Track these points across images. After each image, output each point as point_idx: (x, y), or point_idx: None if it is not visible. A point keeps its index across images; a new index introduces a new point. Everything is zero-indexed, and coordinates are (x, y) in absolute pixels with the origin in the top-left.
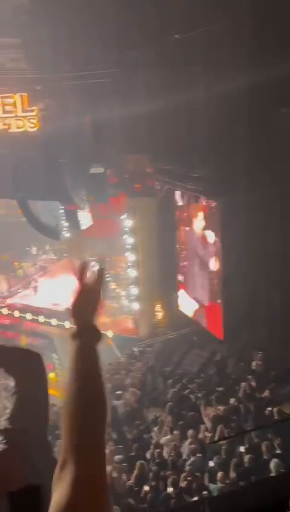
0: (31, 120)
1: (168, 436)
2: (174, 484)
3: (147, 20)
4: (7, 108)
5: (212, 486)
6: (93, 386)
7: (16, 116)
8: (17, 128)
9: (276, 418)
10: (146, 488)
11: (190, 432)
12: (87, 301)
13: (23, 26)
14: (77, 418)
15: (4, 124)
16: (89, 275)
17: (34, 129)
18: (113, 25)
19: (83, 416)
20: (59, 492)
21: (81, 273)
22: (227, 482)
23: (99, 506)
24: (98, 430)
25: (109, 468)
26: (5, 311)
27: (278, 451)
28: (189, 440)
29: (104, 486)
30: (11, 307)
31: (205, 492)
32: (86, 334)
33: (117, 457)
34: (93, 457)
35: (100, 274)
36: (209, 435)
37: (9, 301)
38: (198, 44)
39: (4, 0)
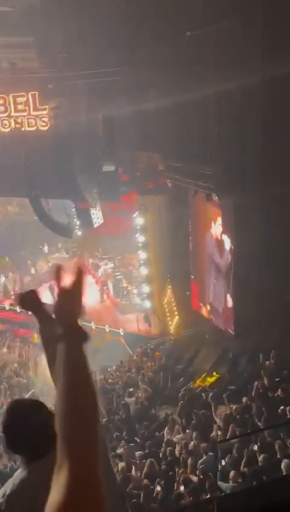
0: (43, 119)
1: (180, 435)
2: (186, 483)
3: (158, 17)
4: (19, 107)
5: (224, 486)
6: (82, 386)
7: (28, 114)
8: (29, 126)
9: (289, 417)
10: (158, 488)
11: (201, 431)
12: (68, 303)
13: (34, 25)
14: (68, 419)
15: (16, 123)
16: (69, 277)
17: (46, 127)
18: (124, 23)
19: (73, 417)
20: (54, 492)
21: (57, 276)
22: (239, 481)
23: (95, 506)
24: (89, 430)
25: (122, 465)
26: (18, 309)
27: None
28: (200, 439)
29: (99, 485)
30: None
31: (217, 492)
32: (72, 336)
33: (130, 454)
34: (86, 456)
35: (78, 275)
36: (221, 433)
37: None
38: (209, 41)
39: (16, 0)
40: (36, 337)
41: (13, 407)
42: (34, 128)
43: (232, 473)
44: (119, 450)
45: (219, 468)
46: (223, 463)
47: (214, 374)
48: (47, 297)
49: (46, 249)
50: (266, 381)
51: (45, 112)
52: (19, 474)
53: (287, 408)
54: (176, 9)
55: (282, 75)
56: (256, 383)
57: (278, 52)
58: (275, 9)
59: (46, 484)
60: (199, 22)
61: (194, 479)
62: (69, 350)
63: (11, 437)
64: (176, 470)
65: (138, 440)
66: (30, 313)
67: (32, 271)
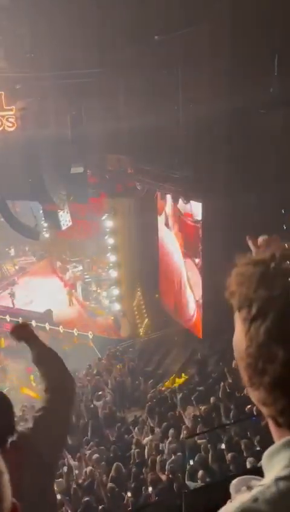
0: (9, 119)
1: (150, 436)
2: (155, 483)
3: (129, 20)
4: None
5: (192, 485)
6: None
7: None
8: None
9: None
10: (128, 494)
11: (170, 432)
12: None
13: (2, 24)
14: None
15: None
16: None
17: (13, 128)
18: (96, 25)
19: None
20: None
21: None
22: (207, 480)
23: None
24: None
25: (89, 468)
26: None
27: (257, 449)
28: (169, 439)
29: None
30: None
31: (185, 491)
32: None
33: (96, 457)
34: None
35: None
36: (189, 434)
37: None
38: (178, 46)
39: None
40: (3, 342)
41: None
42: (1, 128)
43: (200, 472)
44: (87, 454)
45: (187, 468)
46: (191, 463)
47: (183, 375)
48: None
49: (12, 251)
50: (232, 381)
51: (11, 113)
52: None
53: (254, 407)
54: (145, 13)
55: (250, 79)
56: (222, 383)
57: (245, 57)
58: (241, 15)
59: None
60: (168, 27)
61: (163, 478)
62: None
63: None
64: (145, 471)
65: (105, 444)
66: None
67: None
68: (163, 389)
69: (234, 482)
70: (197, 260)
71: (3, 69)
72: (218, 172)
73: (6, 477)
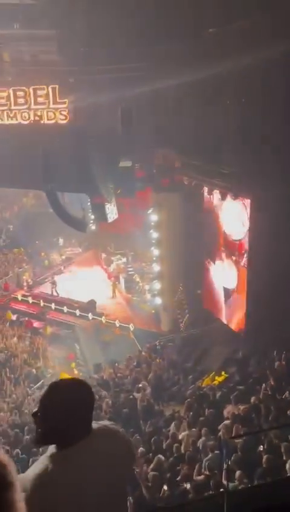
0: (62, 112)
1: (186, 432)
2: (191, 480)
3: (183, 13)
4: (39, 99)
5: (230, 485)
6: None
7: (48, 107)
8: (48, 119)
9: None
10: (165, 487)
11: (208, 429)
12: None
13: (57, 19)
14: None
15: (36, 115)
16: None
17: (65, 121)
18: (149, 19)
19: None
20: None
21: None
22: (245, 481)
23: None
24: None
25: None
26: (30, 300)
27: None
28: (207, 437)
29: None
30: (37, 297)
31: (222, 490)
32: None
33: (141, 449)
34: None
35: None
36: (227, 432)
37: (35, 291)
38: (231, 38)
39: None
40: (48, 329)
41: (56, 385)
42: (53, 121)
43: (238, 473)
44: None
45: (225, 467)
46: (229, 462)
47: (223, 373)
48: (62, 288)
49: (60, 241)
50: (274, 383)
51: (65, 106)
52: (45, 460)
53: None
54: (198, 6)
55: None
56: (264, 384)
57: None
58: None
59: (74, 476)
60: (221, 20)
61: (200, 476)
62: None
63: (48, 420)
64: (181, 466)
65: (141, 435)
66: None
67: (46, 263)
68: (203, 385)
69: None
70: (242, 258)
71: (57, 63)
72: (267, 169)
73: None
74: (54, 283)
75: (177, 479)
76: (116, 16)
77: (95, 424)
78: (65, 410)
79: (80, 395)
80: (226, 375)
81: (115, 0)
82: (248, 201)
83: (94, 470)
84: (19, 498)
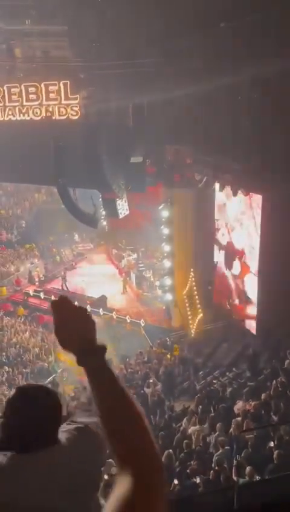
0: (74, 108)
1: (197, 427)
2: (201, 474)
3: (193, 8)
4: (51, 95)
5: (241, 481)
6: (119, 405)
7: (59, 103)
8: (60, 115)
9: None
10: (175, 481)
11: (219, 425)
12: (65, 329)
13: (68, 14)
14: (118, 440)
15: (48, 111)
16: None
17: (77, 117)
18: (160, 14)
19: (122, 436)
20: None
21: (54, 307)
22: (256, 477)
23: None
24: (142, 441)
25: None
26: (42, 295)
27: None
28: (217, 432)
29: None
30: (49, 292)
31: (238, 484)
32: (87, 359)
33: None
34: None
35: (65, 302)
36: (238, 428)
37: (46, 286)
38: (243, 33)
39: None
40: None
41: (24, 391)
42: (65, 117)
43: (248, 469)
44: None
45: (235, 463)
46: (239, 458)
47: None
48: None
49: (71, 237)
50: (285, 380)
51: (76, 101)
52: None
53: None
54: (210, 0)
55: None
56: (274, 381)
57: None
58: None
59: (25, 482)
60: (234, 14)
61: (209, 470)
62: (92, 373)
63: (12, 425)
64: (192, 462)
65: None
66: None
67: (57, 259)
68: (214, 381)
69: None
70: (254, 255)
71: (68, 59)
72: (280, 165)
73: None
74: (64, 278)
75: (187, 472)
76: (127, 11)
77: (64, 431)
78: (21, 417)
79: (43, 403)
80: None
81: None
82: (259, 199)
83: (37, 486)
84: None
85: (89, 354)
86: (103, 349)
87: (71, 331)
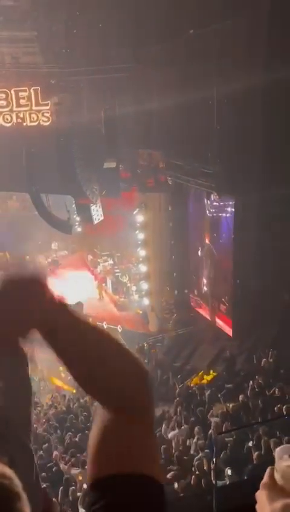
0: (45, 114)
1: (176, 431)
2: (181, 479)
3: (163, 15)
4: (21, 101)
5: (220, 483)
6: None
7: (30, 109)
8: (31, 121)
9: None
10: None
11: (197, 428)
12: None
13: (38, 20)
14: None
15: (18, 118)
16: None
17: (48, 123)
18: (129, 20)
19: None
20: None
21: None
22: (235, 479)
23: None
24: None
25: None
26: None
27: None
28: (197, 436)
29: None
30: None
31: (216, 487)
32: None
33: None
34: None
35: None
36: (217, 431)
37: None
38: (212, 40)
39: None
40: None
41: None
42: (36, 123)
43: (228, 471)
44: None
45: (213, 467)
46: (218, 460)
47: (211, 372)
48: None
49: (44, 244)
50: (262, 380)
51: (47, 107)
52: None
53: (284, 407)
54: (179, 7)
55: (284, 74)
56: (251, 382)
57: (280, 51)
58: (278, 9)
59: None
60: (202, 21)
61: (189, 474)
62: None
63: None
64: (171, 467)
65: None
66: None
67: (32, 267)
68: (191, 385)
69: (278, 449)
70: (228, 257)
71: (38, 65)
72: (251, 168)
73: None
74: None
75: (168, 477)
76: (97, 17)
77: None
78: None
79: None
80: (215, 374)
81: (96, 2)
82: (231, 202)
83: None
84: (28, 510)
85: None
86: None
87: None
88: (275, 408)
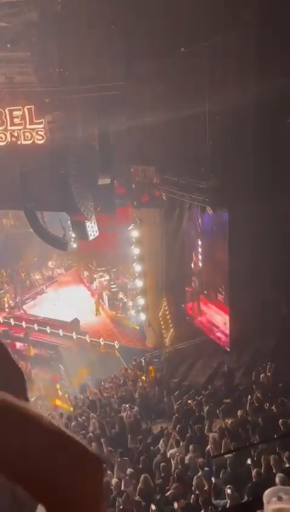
0: (39, 132)
1: (175, 449)
2: (181, 499)
3: (154, 33)
4: (16, 120)
5: (221, 502)
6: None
7: (24, 128)
8: (25, 140)
9: (284, 431)
10: (153, 507)
11: (196, 446)
12: None
13: (31, 41)
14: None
15: (13, 136)
16: None
17: (42, 141)
18: (121, 38)
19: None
20: None
21: None
22: (235, 497)
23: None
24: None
25: (115, 481)
26: (12, 321)
27: (287, 465)
28: (195, 453)
29: None
30: (19, 318)
31: (211, 508)
32: None
33: (123, 469)
34: None
35: None
36: (215, 448)
37: (16, 312)
38: (204, 56)
39: (14, 15)
40: (31, 351)
41: None
42: (30, 141)
43: (228, 490)
44: (115, 466)
45: (213, 485)
46: (218, 478)
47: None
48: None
49: (40, 261)
50: (260, 395)
51: (41, 126)
52: None
53: (280, 421)
54: (171, 25)
55: (276, 89)
56: (250, 397)
57: (272, 65)
58: (268, 25)
59: None
60: (193, 38)
61: (188, 493)
62: None
63: None
64: (170, 485)
65: (130, 455)
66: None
67: (27, 283)
68: (189, 401)
69: (266, 492)
70: (224, 271)
71: (32, 84)
72: (244, 182)
73: None
74: (20, 306)
75: (167, 495)
76: (90, 35)
77: None
78: None
79: None
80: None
81: (89, 22)
82: (225, 216)
83: None
84: None
85: None
86: None
87: None
88: (274, 423)
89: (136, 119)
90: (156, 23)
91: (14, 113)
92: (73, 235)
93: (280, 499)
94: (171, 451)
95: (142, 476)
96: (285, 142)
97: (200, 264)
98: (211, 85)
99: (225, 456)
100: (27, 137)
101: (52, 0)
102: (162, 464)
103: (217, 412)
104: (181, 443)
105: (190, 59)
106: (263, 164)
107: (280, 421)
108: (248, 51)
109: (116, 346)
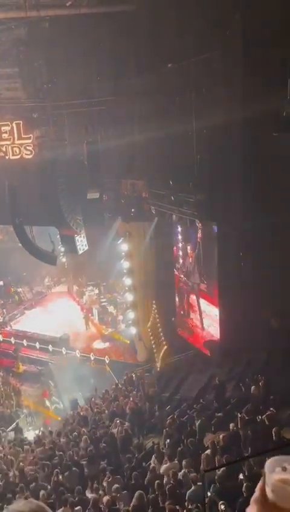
0: (27, 147)
1: (167, 465)
2: None
3: (142, 49)
4: (4, 136)
5: None
6: None
7: (12, 143)
8: (14, 155)
9: (276, 443)
10: None
11: (188, 460)
12: None
13: (20, 56)
14: None
15: (1, 151)
16: None
17: (31, 156)
18: (109, 54)
19: None
20: None
21: None
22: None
23: None
24: None
25: (107, 498)
26: (0, 337)
27: None
28: (188, 469)
29: None
30: (7, 334)
31: None
32: None
33: (115, 486)
34: None
35: None
36: (208, 462)
37: (5, 328)
38: (191, 72)
39: (2, 32)
40: (20, 367)
41: None
42: (19, 156)
43: (221, 506)
44: (105, 482)
45: (206, 500)
46: (210, 494)
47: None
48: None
49: (29, 276)
50: (251, 408)
51: (29, 141)
52: None
53: (274, 429)
54: (158, 42)
55: (263, 103)
56: (242, 410)
57: (257, 81)
58: (254, 42)
59: None
60: (181, 55)
61: (181, 509)
62: None
63: None
64: (164, 501)
65: (122, 471)
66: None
67: (16, 298)
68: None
69: (268, 462)
70: (214, 285)
71: (20, 99)
72: (232, 196)
73: None
74: (31, 314)
75: None
76: (78, 52)
77: None
78: None
79: None
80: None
81: (76, 39)
82: (214, 230)
83: None
84: None
85: None
86: None
87: None
88: (266, 436)
89: (125, 133)
90: (143, 40)
91: (3, 128)
92: (62, 249)
93: (284, 469)
94: (164, 466)
95: (137, 492)
96: (272, 155)
97: (189, 276)
98: (198, 100)
99: (217, 471)
100: (15, 152)
101: (40, 17)
102: (157, 482)
103: (209, 425)
104: (173, 458)
105: (177, 75)
106: (251, 178)
107: (270, 433)
108: (234, 67)
109: (107, 361)
